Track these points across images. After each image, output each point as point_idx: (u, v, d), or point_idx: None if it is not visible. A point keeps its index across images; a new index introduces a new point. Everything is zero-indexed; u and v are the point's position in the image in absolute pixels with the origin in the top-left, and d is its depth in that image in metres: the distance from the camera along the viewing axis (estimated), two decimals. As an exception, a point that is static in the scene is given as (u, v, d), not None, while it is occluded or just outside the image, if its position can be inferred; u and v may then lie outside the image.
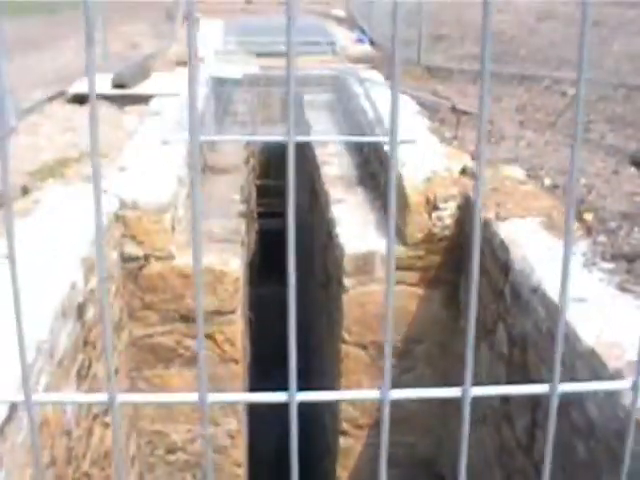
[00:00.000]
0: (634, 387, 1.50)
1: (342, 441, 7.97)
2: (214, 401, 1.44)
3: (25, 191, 6.90)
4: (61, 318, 5.21)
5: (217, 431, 7.81)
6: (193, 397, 1.43)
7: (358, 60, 13.36)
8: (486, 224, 6.49)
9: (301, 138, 9.20)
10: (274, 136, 9.93)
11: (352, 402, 7.69)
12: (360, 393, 1.54)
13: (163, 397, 2.00)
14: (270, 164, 14.59)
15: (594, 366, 4.52)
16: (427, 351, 7.54)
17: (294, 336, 1.40)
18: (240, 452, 8.21)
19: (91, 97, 1.12)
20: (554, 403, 1.47)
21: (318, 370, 9.71)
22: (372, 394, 1.47)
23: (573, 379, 4.80)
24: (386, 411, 1.45)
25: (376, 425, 7.80)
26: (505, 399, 5.99)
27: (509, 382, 5.98)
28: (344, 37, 16.38)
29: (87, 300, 5.90)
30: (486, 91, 1.23)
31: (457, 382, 5.25)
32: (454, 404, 1.55)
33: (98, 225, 1.25)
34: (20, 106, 9.32)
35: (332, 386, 8.17)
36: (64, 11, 17.45)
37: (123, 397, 1.44)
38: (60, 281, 5.39)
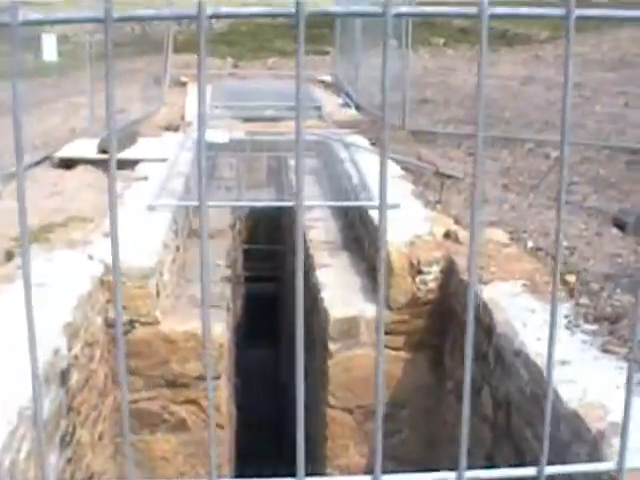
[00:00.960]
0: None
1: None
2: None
3: (9, 256, 6.91)
4: (44, 384, 5.20)
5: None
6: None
7: (344, 125, 13.46)
8: (469, 287, 6.51)
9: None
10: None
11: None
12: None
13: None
14: (258, 229, 14.63)
15: (577, 427, 4.53)
16: (412, 415, 7.52)
17: (213, 429, 1.41)
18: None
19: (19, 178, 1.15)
20: None
21: (305, 434, 9.66)
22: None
23: (556, 440, 4.80)
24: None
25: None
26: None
27: (494, 445, 5.97)
28: (330, 102, 16.49)
29: (71, 366, 5.89)
30: (386, 143, 1.26)
31: (442, 448, 5.26)
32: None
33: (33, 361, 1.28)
34: (5, 170, 9.36)
35: (318, 450, 8.13)
36: (52, 75, 17.58)
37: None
38: (43, 347, 5.38)
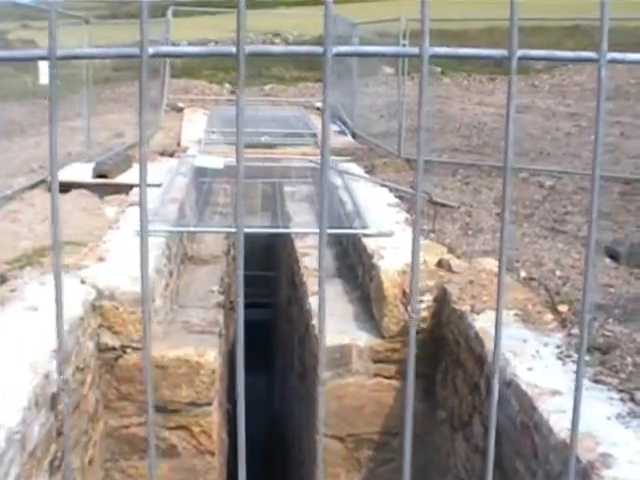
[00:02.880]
0: None
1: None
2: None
3: (2, 279, 6.90)
4: (34, 408, 5.18)
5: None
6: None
7: (340, 152, 13.48)
8: (461, 316, 6.51)
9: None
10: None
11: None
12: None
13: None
14: (253, 255, 14.61)
15: (567, 458, 4.51)
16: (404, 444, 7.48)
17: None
18: None
19: None
20: None
21: (297, 460, 9.63)
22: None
23: (547, 472, 4.79)
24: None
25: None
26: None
27: (484, 474, 5.94)
28: (326, 129, 16.50)
29: (61, 390, 5.87)
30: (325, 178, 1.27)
31: (435, 476, 5.24)
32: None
33: None
34: (0, 193, 9.39)
35: (310, 478, 8.11)
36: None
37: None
38: (33, 371, 5.37)
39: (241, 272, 1.36)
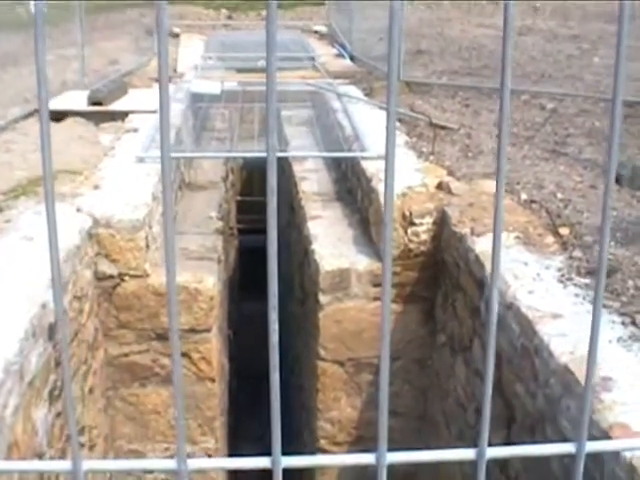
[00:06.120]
0: (578, 453, 1.41)
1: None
2: (192, 468, 1.36)
3: (-4, 210, 6.84)
4: (31, 338, 5.15)
5: (194, 450, 7.74)
6: (171, 464, 1.35)
7: (338, 75, 13.34)
8: (461, 239, 6.46)
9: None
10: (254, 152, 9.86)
11: (344, 465, 7.67)
12: (351, 457, 1.44)
13: (136, 464, 1.89)
14: (252, 180, 14.54)
15: (568, 382, 4.49)
16: (404, 367, 7.49)
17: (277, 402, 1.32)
18: (219, 473, 8.15)
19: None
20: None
21: (296, 386, 9.65)
22: (366, 458, 1.39)
23: (547, 396, 4.77)
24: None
25: (354, 442, 7.75)
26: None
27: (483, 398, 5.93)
28: (325, 52, 16.36)
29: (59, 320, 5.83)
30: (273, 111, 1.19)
31: (435, 399, 5.18)
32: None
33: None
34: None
35: (310, 402, 8.13)
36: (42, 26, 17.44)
37: (89, 464, 1.35)
38: (30, 301, 5.32)
39: (170, 197, 1.27)
